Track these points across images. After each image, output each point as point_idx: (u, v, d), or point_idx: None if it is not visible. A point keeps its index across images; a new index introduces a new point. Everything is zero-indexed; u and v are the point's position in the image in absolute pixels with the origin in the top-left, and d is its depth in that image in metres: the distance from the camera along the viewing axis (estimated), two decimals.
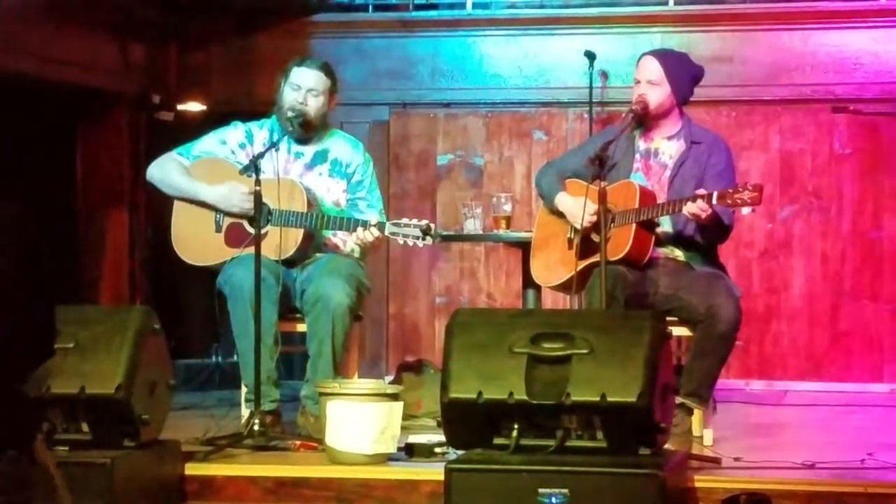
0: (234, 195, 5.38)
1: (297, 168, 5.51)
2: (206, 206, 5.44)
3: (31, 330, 2.97)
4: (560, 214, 5.41)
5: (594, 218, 5.12)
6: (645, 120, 5.30)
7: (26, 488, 3.00)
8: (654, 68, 5.28)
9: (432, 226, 5.25)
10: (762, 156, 7.35)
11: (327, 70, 5.50)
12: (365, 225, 5.25)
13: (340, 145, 5.59)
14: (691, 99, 5.43)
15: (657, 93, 5.28)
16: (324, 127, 5.58)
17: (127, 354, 4.43)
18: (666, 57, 5.36)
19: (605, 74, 7.27)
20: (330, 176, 5.53)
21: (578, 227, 5.18)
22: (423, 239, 5.22)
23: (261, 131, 5.55)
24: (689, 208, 4.99)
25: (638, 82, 5.30)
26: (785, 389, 7.14)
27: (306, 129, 5.47)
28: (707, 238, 5.22)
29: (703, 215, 4.99)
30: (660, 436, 4.24)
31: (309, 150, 5.54)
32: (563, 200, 5.38)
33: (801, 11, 7.35)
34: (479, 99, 7.64)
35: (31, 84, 6.60)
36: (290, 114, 5.40)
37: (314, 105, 5.46)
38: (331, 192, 5.52)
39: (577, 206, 5.21)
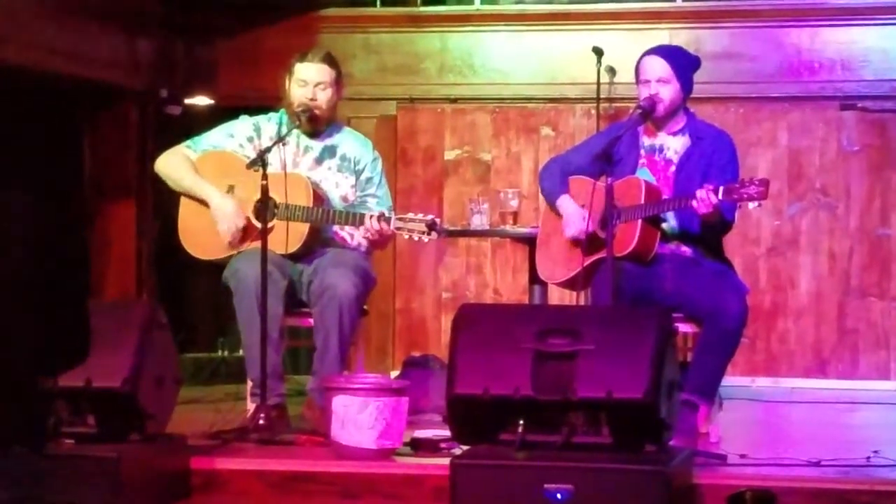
0: (231, 219, 5.36)
1: (307, 162, 5.52)
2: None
3: (56, 326, 2.95)
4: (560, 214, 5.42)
5: (588, 229, 5.17)
6: (654, 117, 5.30)
7: (36, 483, 2.99)
8: (661, 66, 5.28)
9: (437, 221, 5.25)
10: (770, 152, 7.35)
11: (330, 60, 5.50)
12: (371, 218, 5.24)
13: (350, 142, 5.59)
14: (697, 95, 5.43)
15: (668, 90, 5.27)
16: (333, 121, 5.59)
17: (133, 348, 4.44)
18: (669, 53, 5.35)
19: (612, 70, 7.27)
20: (339, 171, 5.53)
21: (569, 236, 5.23)
22: (429, 234, 5.22)
23: (269, 125, 5.56)
24: (697, 201, 4.99)
25: (647, 82, 5.28)
26: (791, 387, 7.14)
27: (317, 124, 5.48)
28: (708, 233, 5.22)
29: (711, 209, 4.99)
30: (665, 432, 4.23)
31: (318, 145, 5.54)
32: (565, 206, 5.37)
33: (809, 8, 7.34)
34: (487, 94, 7.64)
35: (39, 78, 6.60)
36: (300, 110, 5.41)
37: (324, 98, 5.47)
38: (339, 187, 5.52)
39: (577, 216, 5.23)
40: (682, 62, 5.32)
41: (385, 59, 7.68)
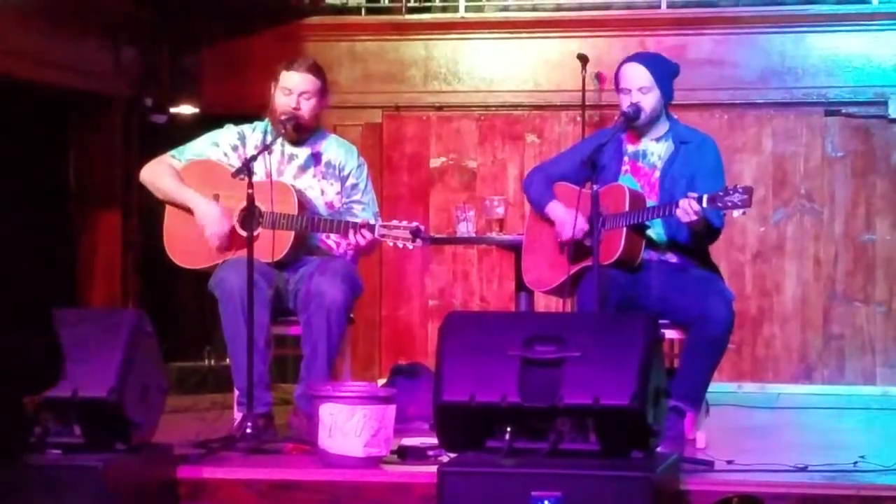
0: (217, 224, 5.36)
1: (291, 170, 5.52)
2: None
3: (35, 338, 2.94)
4: (550, 220, 5.41)
5: (582, 233, 5.15)
6: (636, 125, 5.31)
7: (11, 495, 2.98)
8: (642, 75, 5.28)
9: (422, 228, 5.25)
10: (754, 159, 7.37)
11: (316, 70, 5.51)
12: (355, 227, 5.24)
13: (335, 148, 5.60)
14: (681, 101, 5.44)
15: (650, 98, 5.28)
16: (317, 129, 5.59)
17: (119, 357, 4.42)
18: (650, 61, 5.36)
19: (598, 77, 7.28)
20: (324, 178, 5.53)
21: (566, 239, 5.22)
22: (414, 241, 5.22)
23: (253, 134, 5.56)
24: (681, 210, 5.00)
25: (628, 91, 5.29)
26: (777, 392, 7.15)
27: (300, 132, 5.48)
28: (696, 240, 5.23)
29: (695, 217, 5.00)
30: (652, 439, 4.24)
31: (303, 153, 5.55)
32: (555, 210, 5.37)
33: (793, 15, 7.36)
34: (472, 102, 7.65)
35: (24, 87, 6.59)
36: (284, 118, 5.41)
37: (307, 107, 5.47)
38: (325, 195, 5.52)
39: (569, 216, 5.23)
40: (663, 69, 5.34)
41: (370, 67, 7.69)
